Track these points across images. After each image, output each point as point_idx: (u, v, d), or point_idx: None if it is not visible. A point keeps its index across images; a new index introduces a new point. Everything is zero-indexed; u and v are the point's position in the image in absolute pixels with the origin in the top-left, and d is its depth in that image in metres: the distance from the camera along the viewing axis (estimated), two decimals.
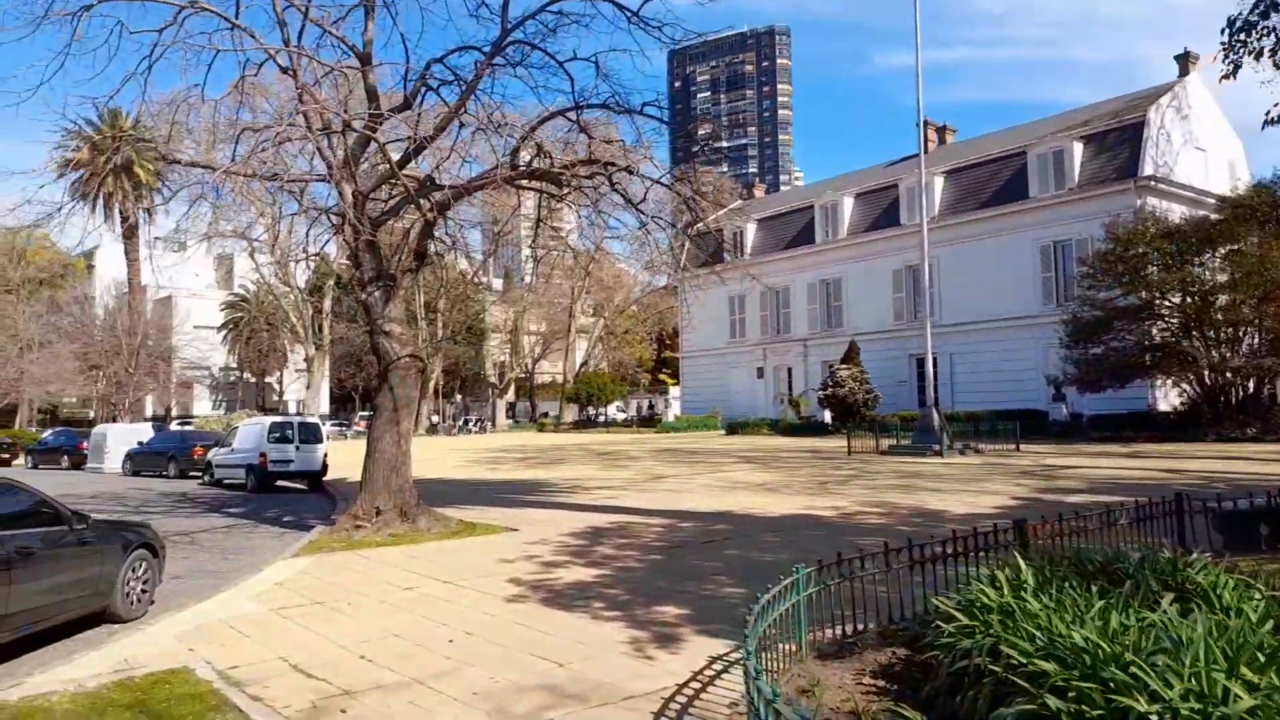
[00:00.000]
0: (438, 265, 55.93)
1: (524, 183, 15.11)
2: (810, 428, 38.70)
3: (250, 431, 23.01)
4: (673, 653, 6.23)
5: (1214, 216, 28.31)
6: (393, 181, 14.49)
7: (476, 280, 60.21)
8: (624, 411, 68.85)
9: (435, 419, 62.65)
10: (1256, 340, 27.29)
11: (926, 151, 47.25)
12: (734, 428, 42.10)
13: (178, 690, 5.73)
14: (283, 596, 8.56)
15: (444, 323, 60.43)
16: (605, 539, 11.57)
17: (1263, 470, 18.54)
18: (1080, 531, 8.09)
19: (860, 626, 6.30)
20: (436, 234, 15.41)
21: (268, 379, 74.58)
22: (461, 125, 13.08)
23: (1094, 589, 4.89)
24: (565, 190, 14.60)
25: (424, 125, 12.85)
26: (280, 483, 22.62)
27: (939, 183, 40.45)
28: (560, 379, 69.70)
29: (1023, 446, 25.97)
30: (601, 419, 59.75)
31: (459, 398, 76.47)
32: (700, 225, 45.20)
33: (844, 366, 38.16)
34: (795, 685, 5.11)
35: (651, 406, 64.97)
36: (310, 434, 22.50)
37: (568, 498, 17.03)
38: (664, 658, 6.10)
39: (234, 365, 73.64)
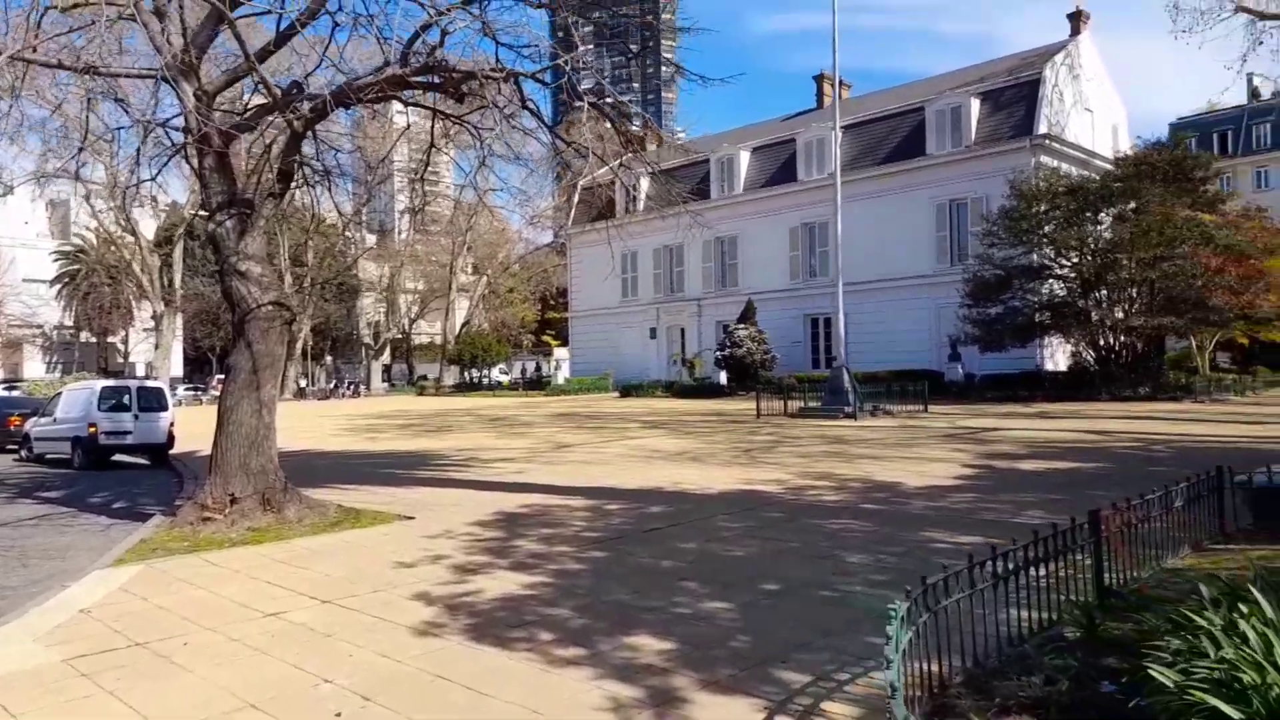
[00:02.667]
0: (305, 209, 51.47)
1: (418, 97, 12.62)
2: (706, 389, 37.40)
3: (77, 397, 19.47)
4: None
5: (1115, 173, 28.28)
6: (257, 88, 11.77)
7: (350, 228, 55.76)
8: (506, 374, 66.11)
9: (303, 382, 58.14)
10: (1150, 300, 27.50)
11: (823, 106, 46.49)
12: (628, 390, 40.39)
13: None
14: (89, 635, 6.09)
15: (312, 277, 55.80)
16: (524, 528, 9.48)
17: (1187, 431, 18.21)
18: (1146, 519, 6.58)
19: (943, 668, 4.49)
20: (308, 161, 12.72)
21: (110, 339, 67.59)
22: (336, 25, 10.45)
23: None
24: (471, 110, 12.23)
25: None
26: (118, 457, 19.32)
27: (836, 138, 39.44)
28: (440, 340, 66.18)
29: (929, 407, 25.34)
30: (485, 382, 56.89)
31: (329, 359, 71.64)
32: (591, 177, 42.67)
33: (741, 326, 36.95)
34: None
35: (538, 369, 62.49)
36: (152, 400, 19.21)
37: (465, 473, 14.77)
38: None
39: (70, 323, 66.28)
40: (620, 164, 16.25)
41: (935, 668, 4.35)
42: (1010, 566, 4.96)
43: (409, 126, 13.60)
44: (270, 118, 11.78)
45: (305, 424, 29.64)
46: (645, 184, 46.34)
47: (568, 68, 9.62)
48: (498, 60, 10.78)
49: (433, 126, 13.39)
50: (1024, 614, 5.24)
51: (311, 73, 12.39)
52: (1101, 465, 13.37)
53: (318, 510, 10.41)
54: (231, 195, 10.44)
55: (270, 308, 10.24)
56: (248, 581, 7.53)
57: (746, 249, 42.59)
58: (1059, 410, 24.56)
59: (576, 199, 51.15)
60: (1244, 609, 3.49)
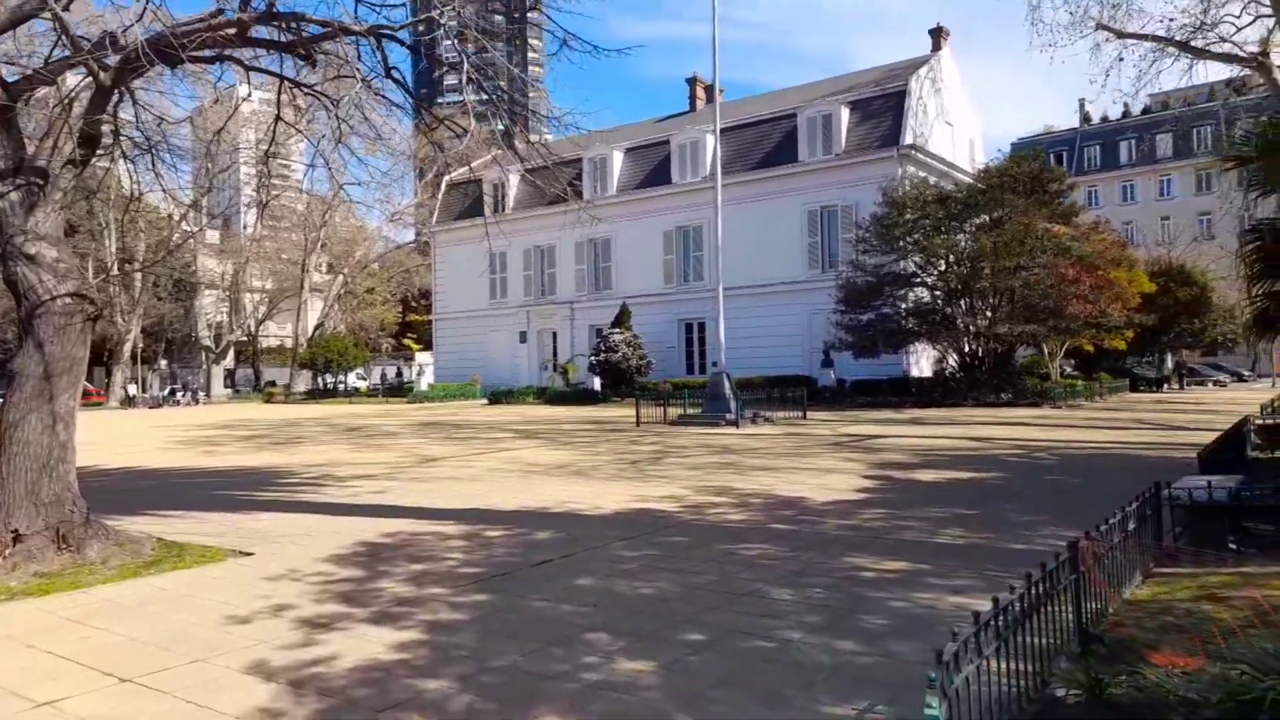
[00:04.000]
0: (142, 200, 46.89)
1: (262, 61, 10.88)
2: (580, 395, 36.28)
3: None
4: None
5: (979, 185, 29.11)
6: (60, 40, 9.81)
7: (189, 219, 51.17)
8: (365, 379, 62.71)
9: (132, 389, 52.95)
10: (1011, 308, 28.38)
11: (695, 109, 46.29)
12: (497, 397, 38.71)
13: None
14: None
15: (143, 272, 50.92)
16: (389, 564, 8.03)
17: (1060, 437, 18.50)
18: (1111, 548, 5.88)
19: None
20: (124, 129, 10.75)
21: None
22: None
23: None
24: (326, 80, 10.67)
25: None
26: None
27: (710, 141, 39.24)
28: (291, 343, 62.04)
29: (807, 414, 25.16)
30: (341, 388, 53.59)
31: (164, 364, 65.89)
32: (458, 173, 40.75)
33: (616, 330, 36.08)
34: None
35: (400, 374, 59.55)
36: None
37: (318, 494, 13.00)
38: None
39: None
40: (497, 146, 14.93)
41: None
42: (1012, 618, 4.06)
43: (249, 95, 11.71)
44: (76, 80, 9.83)
45: (130, 436, 26.57)
46: (515, 181, 44.87)
47: (442, 20, 8.25)
48: (356, 17, 9.30)
49: (279, 95, 11.64)
50: (1003, 664, 4.35)
51: (130, 27, 10.48)
52: (997, 475, 13.09)
53: (130, 548, 8.56)
54: (19, 161, 8.48)
55: (68, 300, 8.33)
56: (21, 651, 5.79)
57: (620, 251, 41.75)
58: (931, 416, 24.85)
59: (442, 193, 48.97)
60: None
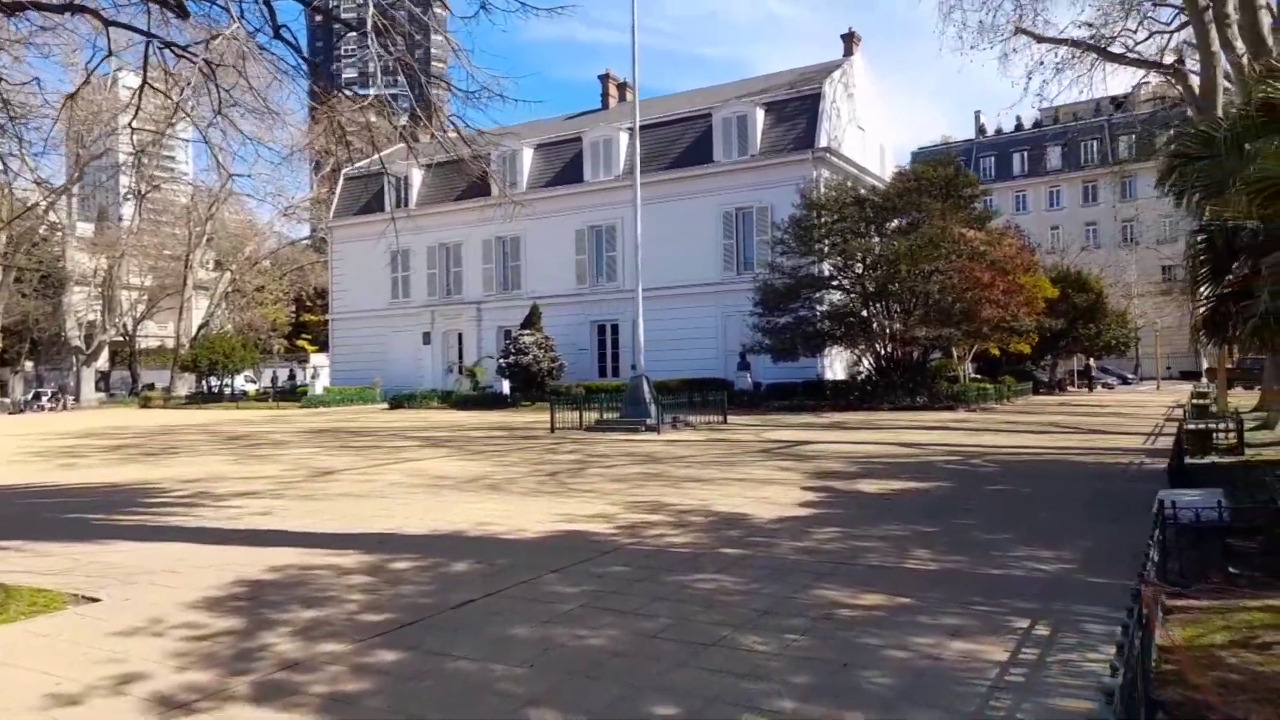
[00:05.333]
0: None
1: (125, 10, 9.31)
2: (488, 400, 34.69)
3: None
4: None
5: (894, 188, 29.02)
6: None
7: (56, 209, 47.03)
8: (254, 382, 59.08)
9: None
10: (926, 311, 28.34)
11: (608, 106, 45.28)
12: (399, 401, 36.70)
13: None
14: None
15: (5, 267, 46.52)
16: (275, 609, 6.61)
17: (987, 441, 18.19)
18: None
19: None
20: None
21: None
22: None
23: None
24: (203, 40, 9.22)
25: None
26: None
27: (624, 139, 38.28)
28: (173, 343, 57.96)
29: (727, 418, 24.43)
30: (227, 392, 50.19)
31: (29, 365, 60.64)
32: (359, 165, 38.67)
33: (527, 332, 34.65)
34: None
35: (293, 376, 56.30)
36: None
37: (190, 517, 11.26)
38: None
39: None
40: (402, 131, 13.62)
41: None
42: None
43: (111, 54, 9.90)
44: None
45: None
46: (419, 176, 42.87)
47: None
48: None
49: (145, 57, 10.01)
50: None
51: None
52: (942, 484, 12.45)
53: None
54: None
55: None
56: None
57: (530, 250, 40.32)
58: (852, 420, 24.45)
59: (340, 187, 46.45)
60: None
